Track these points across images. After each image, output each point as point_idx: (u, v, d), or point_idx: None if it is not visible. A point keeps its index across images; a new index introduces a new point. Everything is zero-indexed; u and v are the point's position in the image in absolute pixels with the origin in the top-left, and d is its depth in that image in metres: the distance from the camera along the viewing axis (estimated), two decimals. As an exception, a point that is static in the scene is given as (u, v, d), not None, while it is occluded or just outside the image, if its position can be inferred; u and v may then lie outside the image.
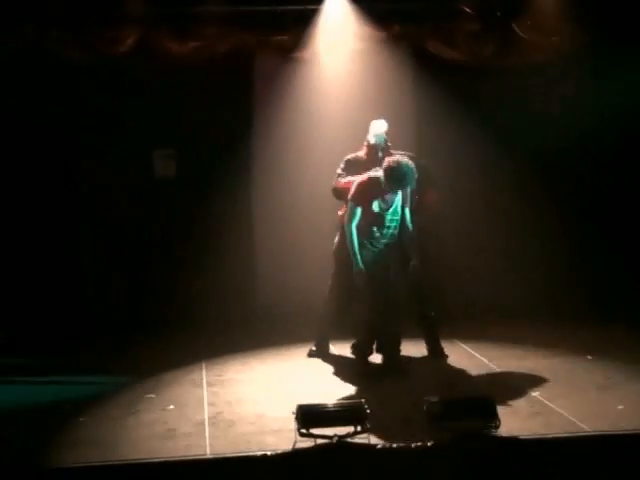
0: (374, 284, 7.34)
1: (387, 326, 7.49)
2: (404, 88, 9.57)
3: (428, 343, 8.01)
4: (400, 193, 7.27)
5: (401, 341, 7.59)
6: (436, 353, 7.96)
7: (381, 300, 7.34)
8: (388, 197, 7.26)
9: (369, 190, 7.27)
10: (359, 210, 7.28)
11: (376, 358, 7.69)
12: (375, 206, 7.29)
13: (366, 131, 9.14)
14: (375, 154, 7.73)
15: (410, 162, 7.23)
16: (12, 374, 7.71)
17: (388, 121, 9.32)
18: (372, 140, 7.79)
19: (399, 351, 7.61)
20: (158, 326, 8.93)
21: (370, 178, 7.32)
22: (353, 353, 7.72)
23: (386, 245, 7.41)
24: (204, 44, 9.01)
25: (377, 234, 7.34)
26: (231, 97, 9.33)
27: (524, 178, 9.50)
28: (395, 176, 7.13)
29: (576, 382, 7.21)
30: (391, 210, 7.33)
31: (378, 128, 7.86)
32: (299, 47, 9.07)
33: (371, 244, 7.36)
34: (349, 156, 7.88)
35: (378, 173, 7.27)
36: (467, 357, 8.04)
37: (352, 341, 7.73)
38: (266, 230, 9.55)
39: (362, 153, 7.86)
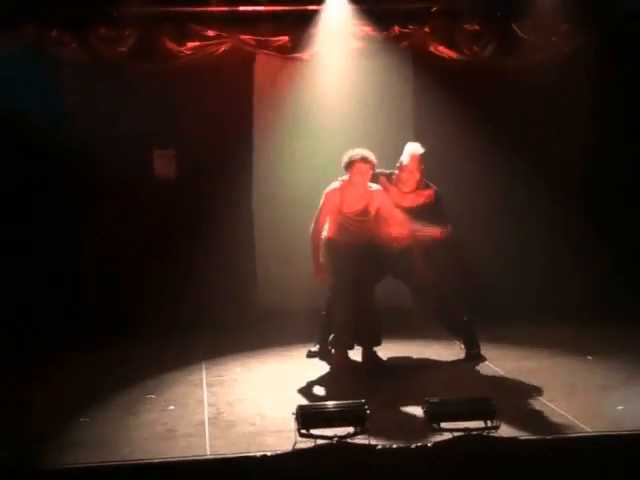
0: (343, 280, 7.45)
1: (364, 320, 7.54)
2: (404, 88, 9.58)
3: (467, 348, 7.96)
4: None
5: (379, 334, 7.63)
6: (476, 357, 7.90)
7: (350, 294, 7.44)
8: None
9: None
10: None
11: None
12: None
13: (365, 131, 9.18)
14: (409, 174, 7.63)
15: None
16: (12, 374, 7.71)
17: (388, 121, 9.38)
18: (406, 161, 7.67)
19: (378, 343, 7.64)
20: (158, 326, 8.93)
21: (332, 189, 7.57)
22: (332, 348, 7.75)
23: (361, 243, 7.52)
24: (204, 44, 9.02)
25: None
26: (231, 97, 9.33)
27: (524, 178, 9.50)
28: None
29: (576, 382, 7.21)
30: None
31: (414, 149, 7.71)
32: (299, 48, 9.07)
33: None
34: (375, 171, 7.69)
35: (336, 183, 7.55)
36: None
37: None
38: (266, 230, 9.55)
39: (390, 171, 7.78)
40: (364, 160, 7.42)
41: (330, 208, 7.55)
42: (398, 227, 7.55)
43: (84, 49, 8.83)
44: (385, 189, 7.65)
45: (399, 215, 7.55)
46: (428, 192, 7.73)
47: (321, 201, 7.60)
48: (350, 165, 7.44)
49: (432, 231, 7.50)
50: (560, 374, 7.46)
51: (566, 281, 9.51)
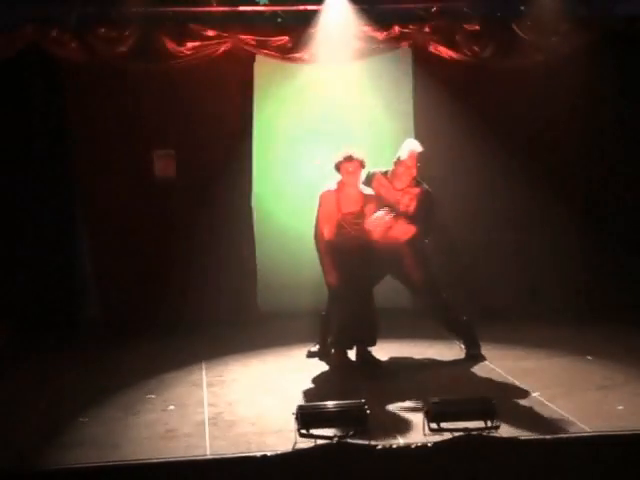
0: (341, 281, 7.48)
1: (362, 320, 7.53)
2: (404, 88, 9.57)
3: (467, 347, 7.98)
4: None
5: (376, 335, 7.62)
6: (476, 357, 7.90)
7: (348, 295, 7.45)
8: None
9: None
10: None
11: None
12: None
13: (365, 130, 9.16)
14: (405, 169, 7.67)
15: None
16: (12, 374, 7.71)
17: (388, 120, 9.36)
18: (404, 156, 7.70)
19: (373, 343, 7.63)
20: (158, 326, 8.93)
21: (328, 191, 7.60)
22: (332, 347, 7.75)
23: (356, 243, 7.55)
24: (204, 44, 9.02)
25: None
26: (231, 97, 9.32)
27: (525, 178, 9.49)
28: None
29: (576, 382, 7.21)
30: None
31: (413, 146, 7.76)
32: (299, 48, 9.07)
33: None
34: (372, 170, 7.75)
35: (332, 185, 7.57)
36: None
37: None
38: (266, 230, 9.54)
39: (386, 169, 7.79)
40: (349, 159, 7.48)
41: (327, 210, 7.58)
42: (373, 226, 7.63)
43: (84, 49, 8.83)
44: (380, 185, 7.70)
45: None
46: (419, 190, 7.75)
47: (317, 204, 7.62)
48: (338, 166, 7.53)
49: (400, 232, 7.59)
50: (560, 374, 7.46)
51: (567, 281, 9.51)
